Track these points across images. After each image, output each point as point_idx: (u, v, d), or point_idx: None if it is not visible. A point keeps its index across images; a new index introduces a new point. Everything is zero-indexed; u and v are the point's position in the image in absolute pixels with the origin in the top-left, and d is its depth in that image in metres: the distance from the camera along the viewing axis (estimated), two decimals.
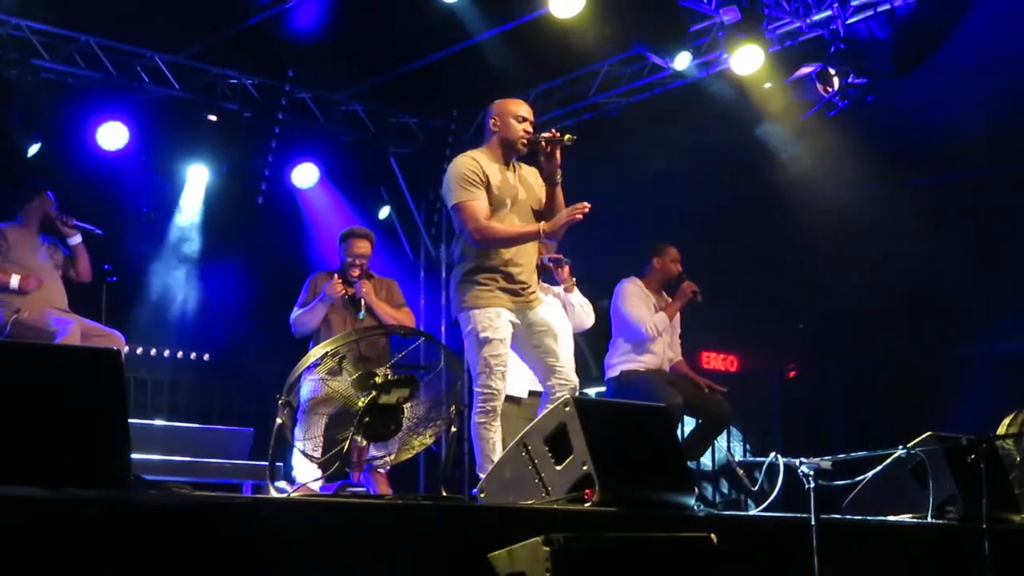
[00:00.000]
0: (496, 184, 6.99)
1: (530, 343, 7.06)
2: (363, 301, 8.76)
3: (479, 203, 6.92)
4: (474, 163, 7.00)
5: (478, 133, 13.18)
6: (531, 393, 8.23)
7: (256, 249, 12.25)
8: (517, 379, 8.08)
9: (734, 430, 11.10)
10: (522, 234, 6.96)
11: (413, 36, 11.29)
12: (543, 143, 7.04)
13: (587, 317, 8.68)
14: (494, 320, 6.88)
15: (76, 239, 9.19)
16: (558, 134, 7.04)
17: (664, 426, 6.38)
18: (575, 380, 7.11)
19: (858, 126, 11.02)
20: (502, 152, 7.11)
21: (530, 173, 7.22)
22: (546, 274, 7.61)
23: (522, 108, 7.19)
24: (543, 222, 6.93)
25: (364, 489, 7.69)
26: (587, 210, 6.78)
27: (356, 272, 8.86)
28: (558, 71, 12.28)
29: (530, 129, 7.11)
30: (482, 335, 6.88)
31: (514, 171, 7.15)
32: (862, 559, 6.22)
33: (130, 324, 11.07)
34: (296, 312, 8.85)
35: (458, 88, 12.61)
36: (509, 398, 7.72)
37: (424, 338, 6.28)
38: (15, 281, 8.73)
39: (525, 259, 7.04)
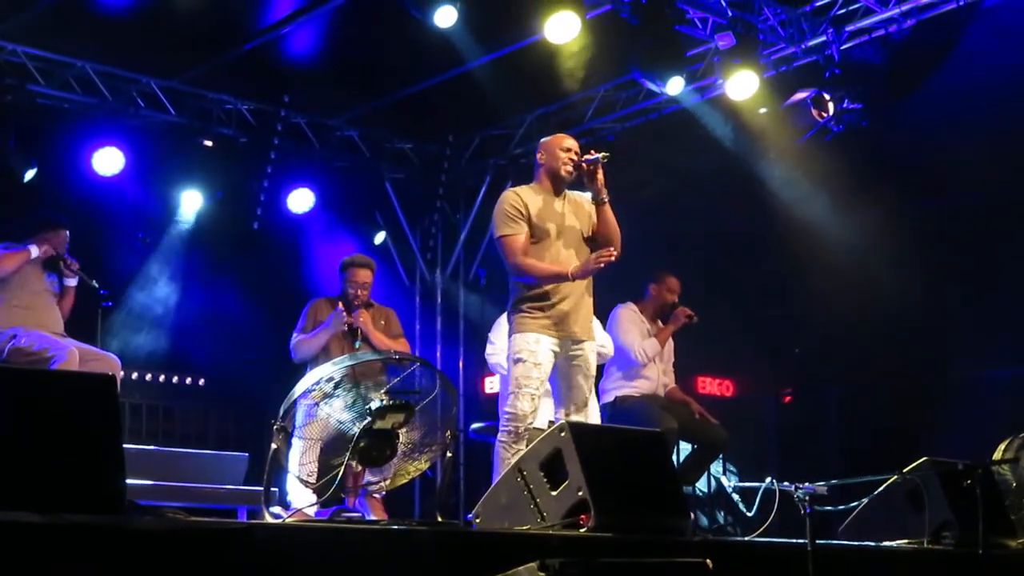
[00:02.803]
0: (540, 215, 7.20)
1: (563, 376, 7.18)
2: (360, 331, 8.76)
3: (518, 238, 7.14)
4: (516, 198, 7.23)
5: (474, 159, 13.29)
6: (551, 424, 8.25)
7: (251, 274, 12.25)
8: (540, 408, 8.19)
9: (727, 455, 11.06)
10: (554, 274, 7.12)
11: (409, 62, 11.31)
12: (584, 166, 7.25)
13: (608, 351, 8.81)
14: (531, 344, 7.03)
15: (72, 281, 9.19)
16: (595, 154, 7.27)
17: (660, 451, 6.38)
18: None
19: (853, 151, 11.03)
20: (550, 183, 7.35)
21: (583, 201, 7.43)
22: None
23: (567, 140, 7.44)
24: (573, 266, 7.07)
25: (359, 514, 7.67)
26: (612, 258, 6.98)
27: (357, 303, 8.86)
28: (554, 96, 12.30)
29: (575, 157, 7.31)
30: (516, 356, 7.05)
31: (563, 200, 7.35)
32: None
33: (125, 349, 11.07)
34: (297, 337, 8.82)
35: (454, 114, 12.64)
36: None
37: (420, 364, 6.28)
38: (35, 251, 8.84)
39: (570, 288, 7.15)
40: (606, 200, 7.30)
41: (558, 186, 7.34)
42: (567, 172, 7.27)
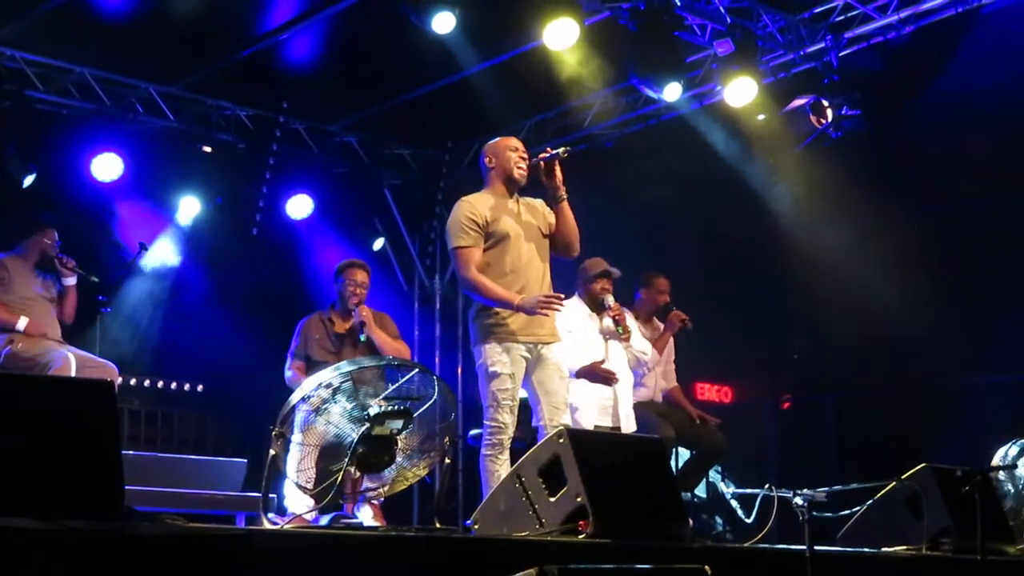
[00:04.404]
0: (496, 219, 7.10)
1: (537, 380, 7.11)
2: (363, 324, 8.75)
3: (472, 251, 7.05)
4: (471, 207, 7.12)
5: (473, 165, 13.25)
6: (596, 427, 8.32)
7: (250, 280, 12.24)
8: (586, 411, 8.32)
9: (726, 462, 11.05)
10: (500, 297, 6.99)
11: (408, 68, 11.31)
12: (542, 163, 7.15)
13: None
14: (503, 355, 6.95)
15: (71, 280, 9.14)
16: (552, 151, 7.17)
17: (658, 457, 6.37)
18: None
19: (851, 158, 11.04)
20: (503, 186, 7.25)
21: (535, 203, 7.35)
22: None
23: (513, 140, 7.35)
24: (521, 295, 6.96)
25: (358, 520, 7.67)
26: (560, 309, 6.97)
27: (355, 301, 8.86)
28: (552, 103, 12.29)
29: (525, 156, 7.24)
30: (491, 369, 6.96)
31: (517, 203, 7.26)
32: None
33: (124, 355, 11.05)
34: (292, 372, 8.78)
35: (452, 120, 12.65)
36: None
37: (419, 370, 6.27)
38: (22, 323, 8.71)
39: (529, 291, 7.04)
40: (565, 197, 7.21)
41: (511, 188, 7.23)
42: (520, 173, 7.19)
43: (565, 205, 7.23)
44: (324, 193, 12.76)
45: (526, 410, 7.25)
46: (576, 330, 8.40)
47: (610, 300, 8.57)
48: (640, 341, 8.89)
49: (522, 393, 7.10)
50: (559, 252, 7.35)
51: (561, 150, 7.16)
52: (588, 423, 8.31)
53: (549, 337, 7.13)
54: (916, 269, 11.17)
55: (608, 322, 8.55)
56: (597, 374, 8.37)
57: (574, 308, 8.60)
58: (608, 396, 8.48)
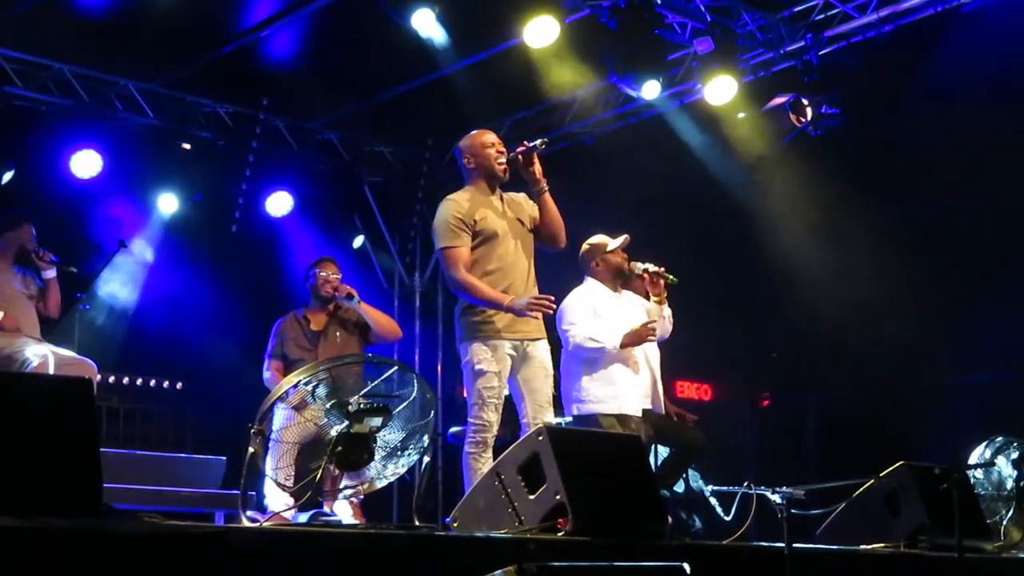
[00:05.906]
0: (483, 218, 7.06)
1: (522, 377, 7.08)
2: (351, 295, 8.75)
3: (461, 251, 7.00)
4: (457, 206, 7.06)
5: (453, 163, 13.22)
6: (645, 412, 8.30)
7: (230, 277, 12.22)
8: (630, 397, 8.23)
9: (705, 459, 11.07)
10: (490, 298, 6.94)
11: (388, 65, 11.31)
12: (520, 157, 7.11)
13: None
14: (489, 352, 6.92)
15: (51, 273, 9.06)
16: (529, 144, 7.13)
17: (637, 455, 6.38)
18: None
19: (830, 156, 11.06)
20: (486, 184, 7.19)
21: (518, 197, 7.31)
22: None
23: (487, 135, 7.28)
24: (508, 294, 6.93)
25: (337, 518, 7.66)
26: (551, 311, 6.92)
27: (330, 288, 8.85)
28: (532, 101, 12.29)
29: (503, 149, 7.19)
30: (477, 367, 6.93)
31: (501, 200, 7.22)
32: None
33: (103, 352, 11.01)
34: (270, 373, 8.76)
35: (432, 118, 12.62)
36: (623, 417, 8.00)
37: (398, 367, 6.26)
38: None
39: (516, 288, 7.04)
40: (546, 189, 7.17)
41: (493, 185, 7.18)
42: (501, 170, 7.14)
43: (547, 197, 7.20)
44: (304, 190, 12.74)
45: (511, 408, 7.24)
46: (602, 311, 8.34)
47: (637, 266, 8.50)
48: (665, 308, 8.84)
49: (505, 390, 7.10)
50: (545, 244, 7.31)
51: (539, 142, 7.11)
52: (635, 409, 8.23)
53: (536, 334, 7.10)
54: (895, 268, 11.20)
55: (628, 294, 8.54)
56: (642, 335, 8.22)
57: (592, 290, 8.46)
58: (648, 380, 8.45)
